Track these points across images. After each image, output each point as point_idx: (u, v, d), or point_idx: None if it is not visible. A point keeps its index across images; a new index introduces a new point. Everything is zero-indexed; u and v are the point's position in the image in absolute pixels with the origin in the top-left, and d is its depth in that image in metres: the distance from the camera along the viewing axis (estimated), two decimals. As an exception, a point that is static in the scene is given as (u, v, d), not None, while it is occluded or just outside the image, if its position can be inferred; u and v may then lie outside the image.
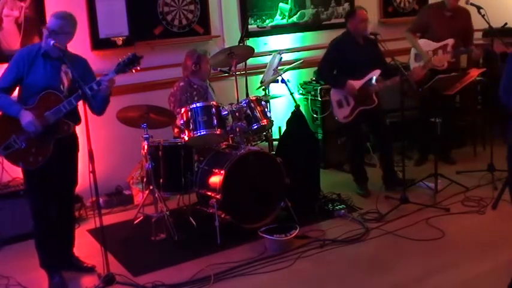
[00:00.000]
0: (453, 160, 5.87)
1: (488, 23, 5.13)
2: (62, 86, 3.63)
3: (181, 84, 4.81)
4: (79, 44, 4.79)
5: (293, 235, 4.12)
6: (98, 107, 3.66)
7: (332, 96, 5.09)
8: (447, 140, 5.78)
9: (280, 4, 6.15)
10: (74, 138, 3.80)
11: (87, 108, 3.60)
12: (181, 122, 4.41)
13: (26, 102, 3.58)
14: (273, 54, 5.51)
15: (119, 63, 3.64)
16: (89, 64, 3.81)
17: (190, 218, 4.53)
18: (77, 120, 3.76)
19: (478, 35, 5.96)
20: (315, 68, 6.11)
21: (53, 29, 3.54)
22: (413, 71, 5.05)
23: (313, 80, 6.16)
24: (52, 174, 3.64)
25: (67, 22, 3.59)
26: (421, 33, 5.65)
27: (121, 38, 5.17)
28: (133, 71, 3.67)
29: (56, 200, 3.75)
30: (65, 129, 3.64)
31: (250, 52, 5.26)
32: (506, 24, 6.52)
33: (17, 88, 3.67)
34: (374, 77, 4.93)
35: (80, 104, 3.63)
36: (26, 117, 3.50)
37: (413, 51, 5.69)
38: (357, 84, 4.93)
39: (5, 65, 3.68)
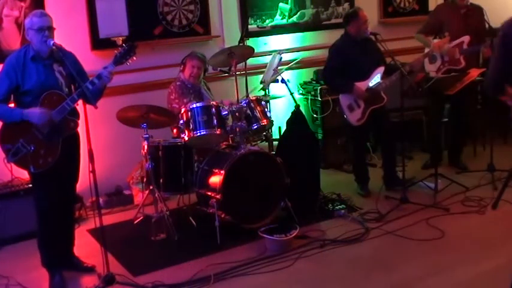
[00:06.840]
0: (464, 166, 5.58)
1: (488, 23, 5.12)
2: (61, 85, 3.62)
3: (178, 83, 4.85)
4: (79, 44, 4.81)
5: (293, 235, 4.11)
6: (94, 98, 3.55)
7: (342, 102, 5.03)
8: (457, 142, 5.65)
9: (280, 4, 6.15)
10: (76, 136, 3.80)
11: (86, 107, 3.57)
12: (181, 122, 4.41)
13: (28, 108, 3.52)
14: (273, 54, 5.50)
15: (116, 54, 3.64)
16: (76, 57, 3.79)
17: (190, 218, 4.53)
18: (77, 116, 3.75)
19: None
20: (315, 68, 6.14)
21: (49, 25, 3.52)
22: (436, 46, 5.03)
23: (313, 80, 6.16)
24: (58, 173, 3.62)
25: (51, 18, 3.58)
26: (434, 35, 5.45)
27: (121, 38, 5.16)
28: (130, 61, 3.67)
29: (59, 199, 3.73)
30: (71, 126, 3.64)
31: (250, 52, 5.26)
32: (506, 24, 6.50)
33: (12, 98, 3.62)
34: (379, 75, 4.92)
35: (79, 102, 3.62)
36: (34, 112, 3.46)
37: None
38: (363, 85, 4.91)
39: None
